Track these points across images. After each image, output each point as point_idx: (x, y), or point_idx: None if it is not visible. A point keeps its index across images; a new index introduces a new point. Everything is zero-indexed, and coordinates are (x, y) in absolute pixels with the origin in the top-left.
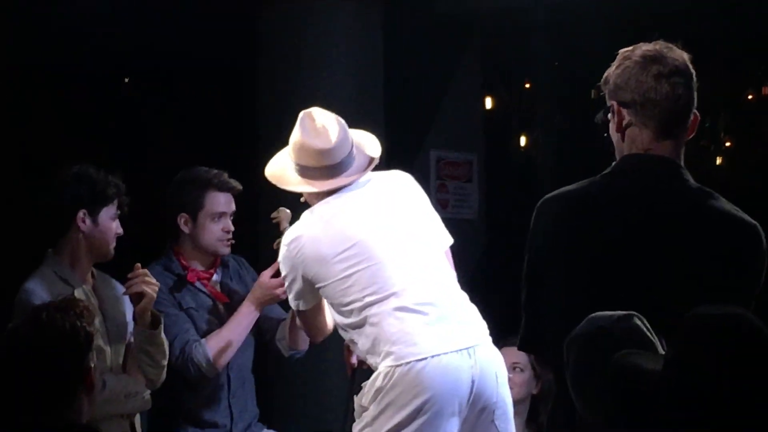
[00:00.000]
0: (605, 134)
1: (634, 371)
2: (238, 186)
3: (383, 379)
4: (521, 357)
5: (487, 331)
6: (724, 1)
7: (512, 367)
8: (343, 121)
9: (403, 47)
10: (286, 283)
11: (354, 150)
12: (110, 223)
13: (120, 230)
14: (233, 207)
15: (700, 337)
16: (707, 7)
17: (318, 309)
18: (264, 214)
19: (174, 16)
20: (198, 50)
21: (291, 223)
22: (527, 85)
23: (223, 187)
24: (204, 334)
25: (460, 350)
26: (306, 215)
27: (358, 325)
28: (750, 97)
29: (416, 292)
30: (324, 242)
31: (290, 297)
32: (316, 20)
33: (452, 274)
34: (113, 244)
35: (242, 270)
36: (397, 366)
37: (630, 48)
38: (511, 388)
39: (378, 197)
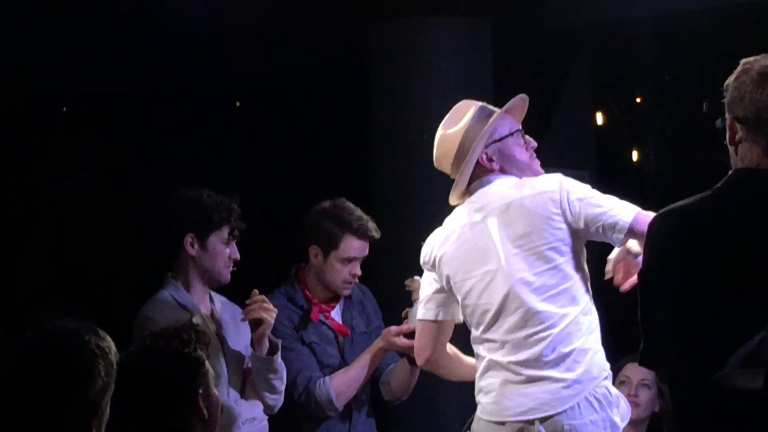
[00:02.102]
0: (724, 141)
1: (734, 391)
2: (377, 234)
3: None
4: (648, 373)
5: (583, 390)
6: None
7: (640, 384)
8: None
9: (512, 63)
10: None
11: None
12: (221, 247)
13: (236, 255)
14: (366, 252)
15: None
16: None
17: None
18: (385, 236)
19: (284, 35)
20: (309, 69)
21: None
22: (638, 99)
23: (362, 235)
24: (325, 367)
25: (507, 422)
26: None
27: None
28: None
29: (509, 349)
30: None
31: None
32: (426, 37)
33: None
34: (228, 269)
35: (365, 300)
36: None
37: (752, 59)
38: (637, 405)
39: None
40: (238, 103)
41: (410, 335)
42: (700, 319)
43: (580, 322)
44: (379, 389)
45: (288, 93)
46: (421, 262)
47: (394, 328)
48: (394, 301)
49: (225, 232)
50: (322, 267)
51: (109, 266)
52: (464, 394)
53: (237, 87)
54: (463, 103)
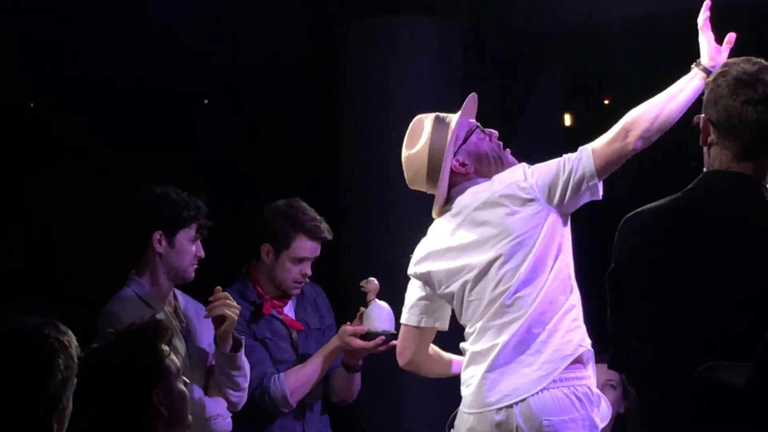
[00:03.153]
0: (698, 139)
1: (718, 385)
2: (329, 236)
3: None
4: (613, 374)
5: (553, 369)
6: None
7: (605, 384)
8: None
9: (483, 62)
10: None
11: None
12: (188, 245)
13: (201, 253)
14: (317, 253)
15: None
16: None
17: None
18: (346, 239)
19: (255, 34)
20: (279, 68)
21: (377, 297)
22: (606, 102)
23: (313, 235)
24: (279, 363)
25: (484, 411)
26: None
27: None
28: None
29: (489, 337)
30: None
31: None
32: (396, 36)
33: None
34: (193, 267)
35: (318, 298)
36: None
37: (731, 62)
38: None
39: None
40: (206, 101)
41: (364, 337)
42: (670, 320)
43: (555, 300)
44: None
45: (258, 92)
46: (409, 272)
47: (349, 328)
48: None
49: (193, 230)
50: (273, 266)
51: (75, 261)
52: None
53: (207, 85)
54: (417, 119)
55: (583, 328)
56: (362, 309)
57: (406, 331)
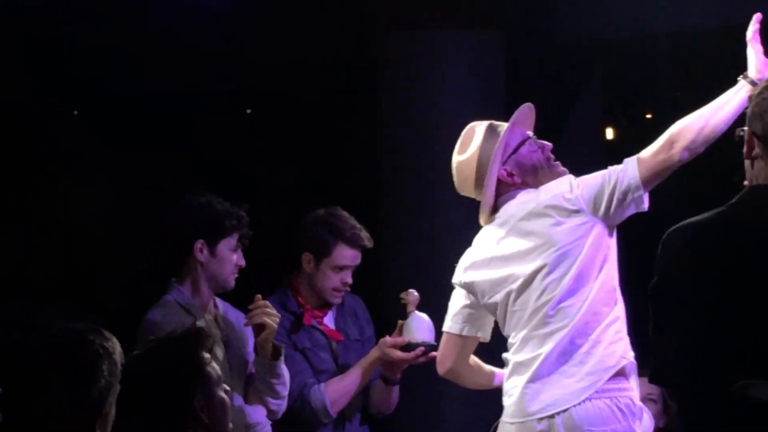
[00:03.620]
0: (742, 152)
1: (755, 402)
2: (370, 244)
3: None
4: (654, 388)
5: (596, 380)
6: None
7: (646, 398)
8: None
9: (524, 76)
10: None
11: None
12: (229, 254)
13: (242, 262)
14: (358, 261)
15: None
16: None
17: None
18: (387, 247)
19: (296, 45)
20: (321, 78)
21: (418, 308)
22: (648, 116)
23: (354, 244)
24: (319, 373)
25: (526, 421)
26: None
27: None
28: None
29: (531, 347)
30: None
31: None
32: (438, 49)
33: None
34: (233, 276)
35: (358, 309)
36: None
37: None
38: None
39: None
40: (248, 111)
41: (404, 348)
42: (713, 335)
43: (599, 312)
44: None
45: (299, 102)
46: (453, 281)
47: (389, 339)
48: (400, 313)
49: (234, 239)
50: (314, 274)
51: (117, 269)
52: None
53: (248, 95)
54: (470, 126)
55: (627, 340)
56: (401, 322)
57: (448, 339)
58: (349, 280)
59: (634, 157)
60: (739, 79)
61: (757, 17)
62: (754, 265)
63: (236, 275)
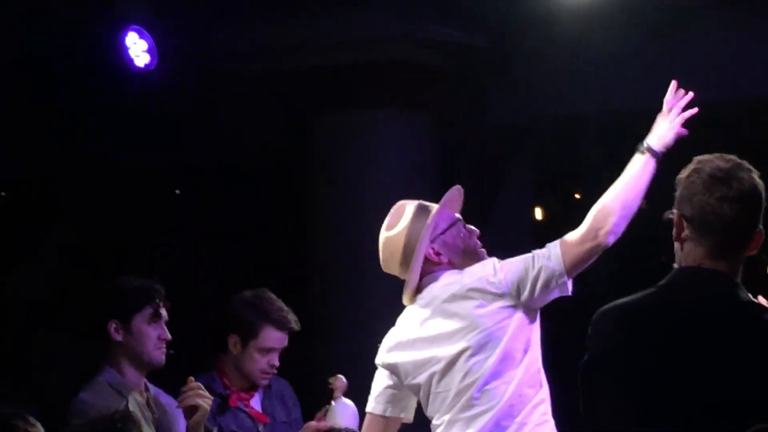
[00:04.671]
0: (671, 234)
1: None
2: (297, 327)
3: None
4: None
5: None
6: None
7: None
8: None
9: (454, 156)
10: None
11: None
12: (147, 329)
13: (166, 335)
14: (285, 343)
15: None
16: (761, 115)
17: None
18: (316, 333)
19: (228, 126)
20: (252, 159)
21: (344, 395)
22: (577, 195)
23: (281, 326)
24: None
25: None
26: None
27: None
28: None
29: (458, 429)
30: None
31: None
32: (369, 129)
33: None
34: (159, 350)
35: (285, 391)
36: None
37: (704, 159)
38: None
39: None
40: (178, 191)
41: None
42: (640, 417)
43: (525, 394)
44: None
45: (230, 183)
46: (376, 361)
47: (313, 424)
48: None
49: (147, 312)
50: (241, 356)
51: (51, 350)
52: None
53: (179, 175)
54: (400, 203)
55: (552, 422)
56: (326, 406)
57: (372, 420)
58: (276, 363)
59: (557, 243)
60: (642, 150)
61: (685, 95)
62: (684, 343)
63: (164, 350)
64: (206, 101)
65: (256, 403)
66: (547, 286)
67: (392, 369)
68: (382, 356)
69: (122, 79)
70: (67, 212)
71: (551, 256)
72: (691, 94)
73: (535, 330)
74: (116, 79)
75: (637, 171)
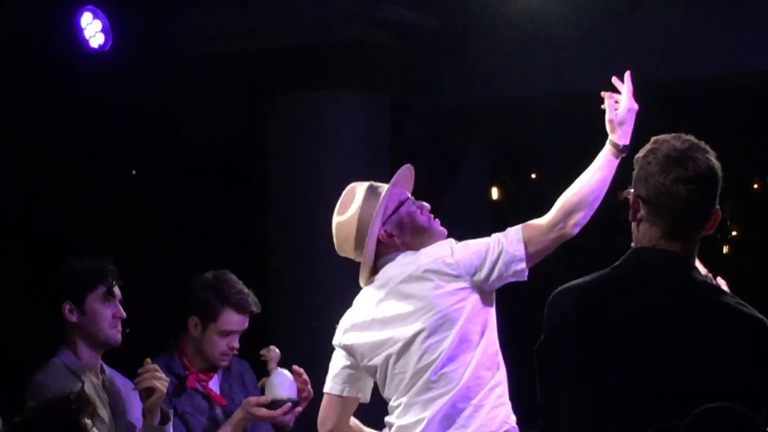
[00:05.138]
0: (628, 214)
1: None
2: (257, 309)
3: None
4: None
5: None
6: (732, 89)
7: None
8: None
9: (410, 137)
10: None
11: None
12: (101, 308)
13: (121, 313)
14: (245, 326)
15: None
16: (715, 95)
17: None
18: (272, 311)
19: (184, 107)
20: (207, 141)
21: (279, 364)
22: (533, 176)
23: (241, 309)
24: None
25: None
26: None
27: None
28: (756, 186)
29: (415, 411)
30: None
31: None
32: (325, 109)
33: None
34: (115, 329)
35: (245, 374)
36: None
37: (661, 138)
38: None
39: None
40: (134, 171)
41: (269, 405)
42: (596, 398)
43: (482, 377)
44: None
45: (186, 164)
46: (333, 342)
47: (253, 399)
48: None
49: (100, 291)
50: (201, 338)
51: (7, 333)
52: None
53: (135, 157)
54: (350, 187)
55: (509, 405)
56: (263, 379)
57: (329, 400)
58: (236, 345)
59: (519, 229)
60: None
61: (627, 75)
62: (638, 326)
63: (119, 328)
64: (160, 84)
65: (214, 384)
66: (505, 270)
67: (348, 350)
68: (339, 337)
69: (77, 60)
70: (17, 196)
71: (513, 242)
72: (628, 72)
73: (492, 312)
74: (70, 61)
75: (601, 161)
